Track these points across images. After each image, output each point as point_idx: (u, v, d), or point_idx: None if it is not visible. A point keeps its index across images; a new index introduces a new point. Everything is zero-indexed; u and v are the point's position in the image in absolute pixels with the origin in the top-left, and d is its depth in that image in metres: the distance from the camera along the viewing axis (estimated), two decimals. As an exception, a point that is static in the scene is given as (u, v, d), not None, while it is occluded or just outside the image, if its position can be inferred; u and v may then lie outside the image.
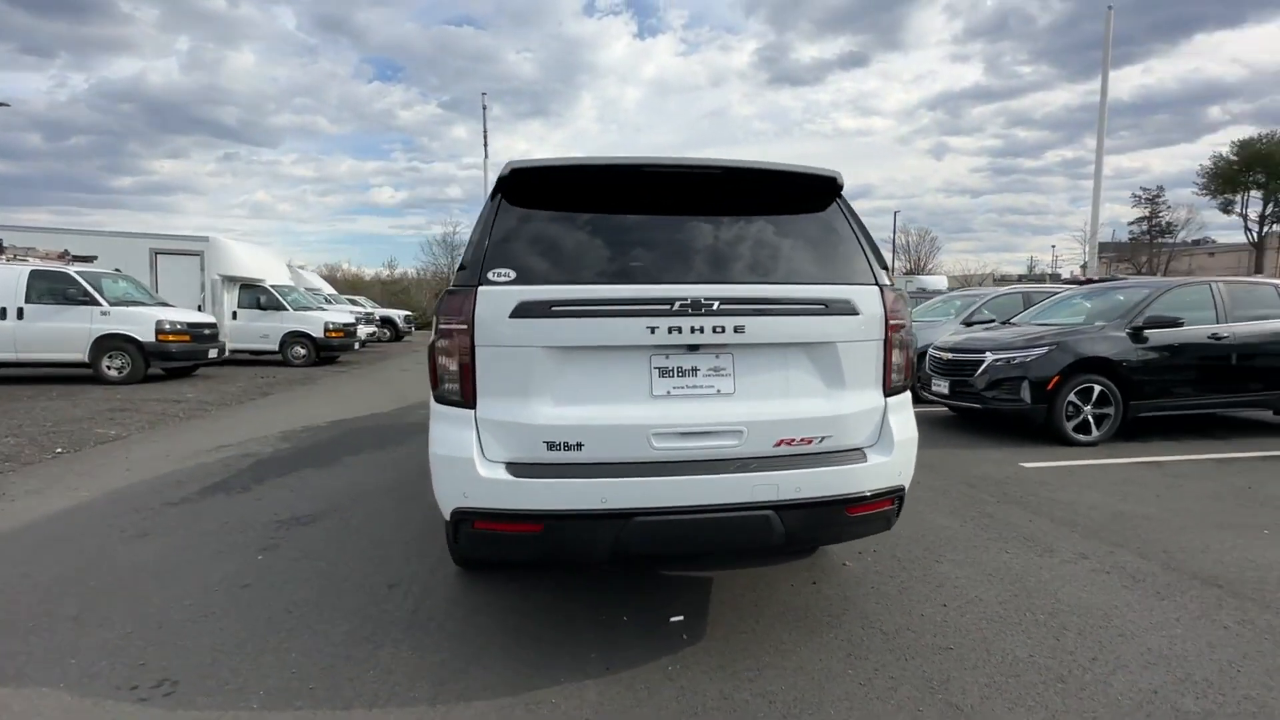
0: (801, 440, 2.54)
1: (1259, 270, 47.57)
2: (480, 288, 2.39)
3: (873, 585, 3.29)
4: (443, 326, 2.43)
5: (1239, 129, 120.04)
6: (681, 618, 2.94)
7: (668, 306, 2.38)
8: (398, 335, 26.61)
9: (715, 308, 2.40)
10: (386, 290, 38.50)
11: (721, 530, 2.41)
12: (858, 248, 2.69)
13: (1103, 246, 55.79)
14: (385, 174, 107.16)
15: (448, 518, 2.45)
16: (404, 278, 44.14)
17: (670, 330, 2.38)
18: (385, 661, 2.58)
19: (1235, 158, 51.79)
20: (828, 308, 2.54)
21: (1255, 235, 53.16)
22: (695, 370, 2.47)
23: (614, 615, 2.97)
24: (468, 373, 2.39)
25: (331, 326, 15.41)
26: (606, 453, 2.38)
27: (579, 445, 2.37)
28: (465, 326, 2.39)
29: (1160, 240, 55.20)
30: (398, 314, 27.70)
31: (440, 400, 2.48)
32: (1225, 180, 52.32)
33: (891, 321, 2.62)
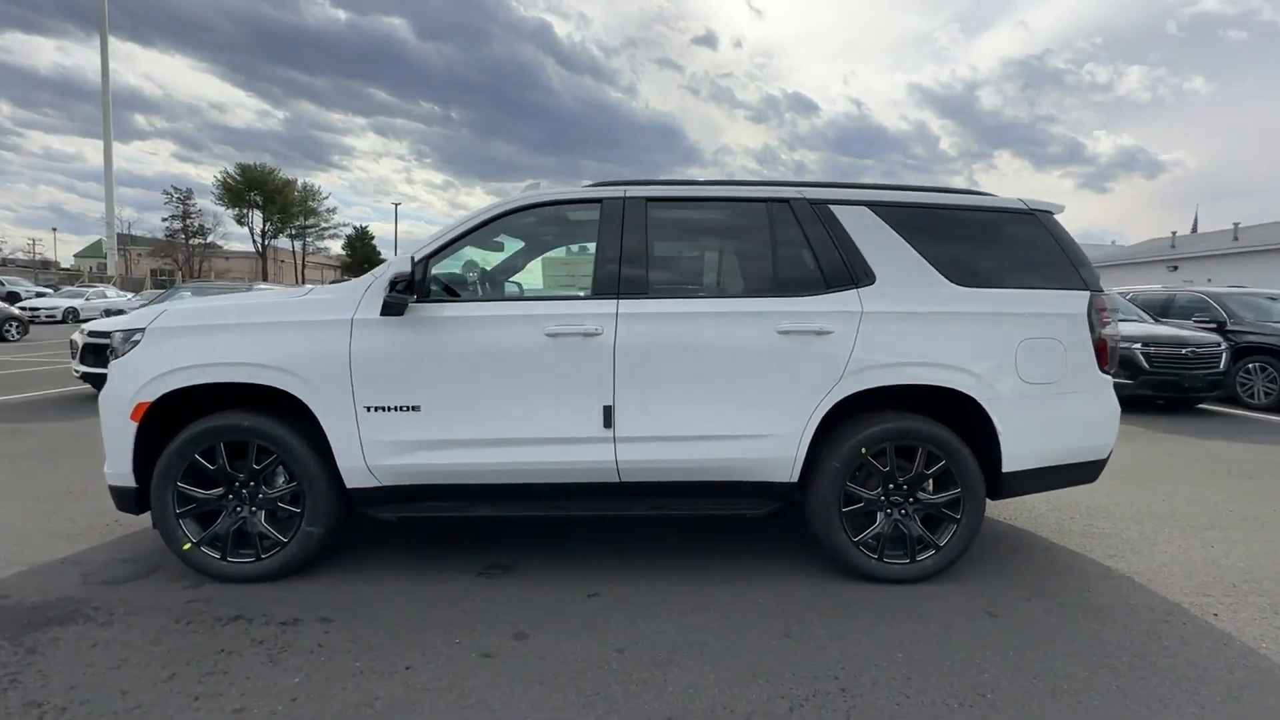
0: None
1: (265, 276, 59.65)
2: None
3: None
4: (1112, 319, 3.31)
5: (162, 142, 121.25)
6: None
7: None
8: None
9: None
10: None
11: None
12: None
13: (135, 240, 60.20)
14: None
15: (1105, 455, 3.37)
16: None
17: None
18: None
19: (239, 179, 62.02)
20: None
21: (260, 245, 64.78)
22: None
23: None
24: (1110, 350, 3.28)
25: None
26: None
27: None
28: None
29: (194, 241, 62.75)
30: None
31: (1112, 374, 3.33)
32: (235, 196, 61.89)
33: None
